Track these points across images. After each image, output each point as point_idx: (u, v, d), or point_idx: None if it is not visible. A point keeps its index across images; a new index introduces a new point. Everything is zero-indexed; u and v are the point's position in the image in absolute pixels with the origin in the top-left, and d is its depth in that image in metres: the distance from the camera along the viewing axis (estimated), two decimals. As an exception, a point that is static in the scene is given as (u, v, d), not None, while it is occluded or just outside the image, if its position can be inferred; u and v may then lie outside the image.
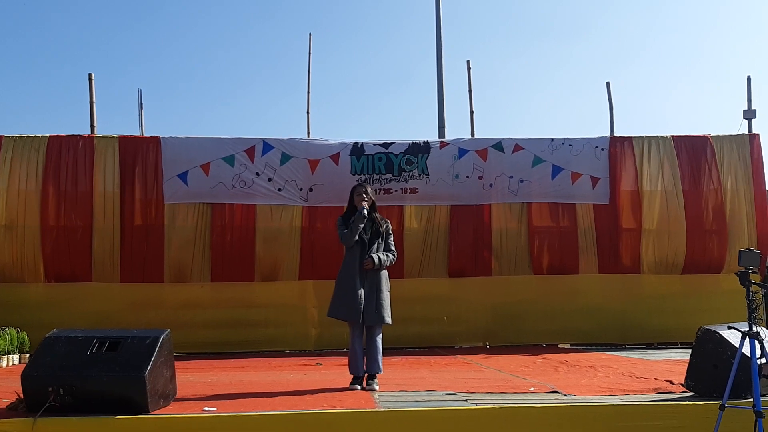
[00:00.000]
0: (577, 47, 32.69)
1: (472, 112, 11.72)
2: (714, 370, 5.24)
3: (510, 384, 6.44)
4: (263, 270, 10.55)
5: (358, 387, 6.01)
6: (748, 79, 11.96)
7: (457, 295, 10.76)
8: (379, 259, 6.14)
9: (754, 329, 4.64)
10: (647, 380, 6.56)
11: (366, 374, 6.11)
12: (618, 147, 11.09)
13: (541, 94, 32.62)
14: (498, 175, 10.85)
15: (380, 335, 6.17)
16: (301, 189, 10.57)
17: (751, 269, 4.72)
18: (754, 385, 4.49)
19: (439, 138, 12.26)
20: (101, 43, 29.63)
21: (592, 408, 5.10)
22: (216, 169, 10.43)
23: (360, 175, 10.51)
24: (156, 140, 10.49)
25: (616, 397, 5.56)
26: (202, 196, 10.44)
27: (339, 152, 10.64)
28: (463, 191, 10.80)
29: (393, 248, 6.36)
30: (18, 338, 9.17)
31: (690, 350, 5.59)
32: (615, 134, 11.38)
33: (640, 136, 11.19)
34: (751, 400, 4.50)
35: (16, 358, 9.07)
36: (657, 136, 11.22)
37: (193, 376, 7.10)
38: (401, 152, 10.71)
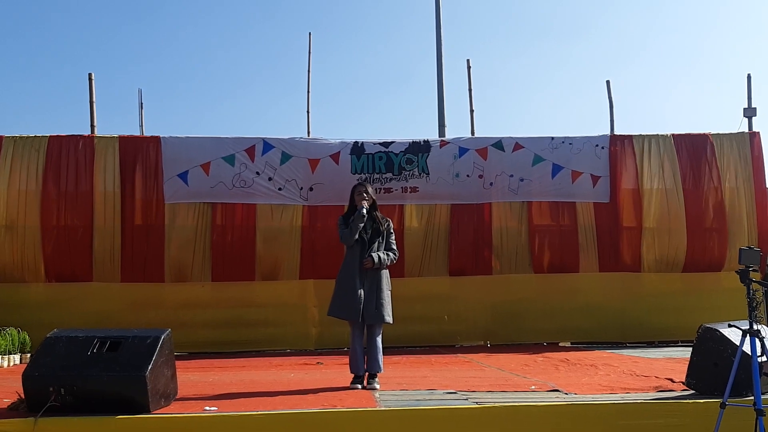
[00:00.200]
0: (577, 46, 32.70)
1: (472, 111, 11.71)
2: (715, 368, 5.24)
3: (511, 383, 6.44)
4: (264, 269, 10.56)
5: (359, 386, 6.01)
6: (748, 77, 11.97)
7: (457, 293, 10.76)
8: (379, 258, 6.14)
9: (755, 327, 4.64)
10: (648, 378, 6.56)
11: (367, 373, 6.11)
12: (618, 145, 11.09)
13: (542, 93, 32.62)
14: (498, 174, 10.85)
15: (380, 334, 6.18)
16: (302, 188, 10.58)
17: (752, 267, 4.71)
18: (755, 383, 4.49)
19: (440, 137, 12.24)
20: (101, 43, 29.65)
21: (593, 406, 5.10)
22: (216, 168, 10.43)
23: (360, 174, 10.51)
24: (156, 140, 10.49)
25: (617, 395, 5.56)
26: (203, 196, 10.44)
27: (339, 151, 10.64)
28: (463, 190, 10.80)
29: (394, 247, 6.36)
30: (19, 338, 9.17)
31: (691, 348, 5.59)
32: (615, 133, 11.38)
33: (641, 135, 11.20)
34: (752, 398, 4.50)
35: (17, 358, 9.07)
36: (657, 135, 11.23)
37: (194, 376, 7.11)
38: (401, 151, 10.71)
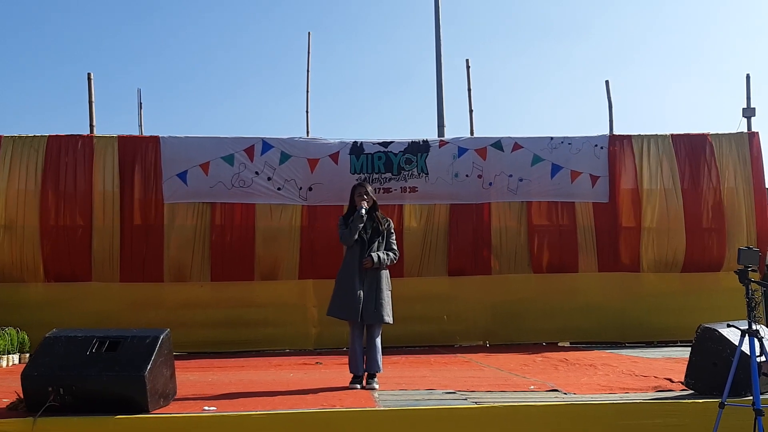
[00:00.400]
0: (577, 46, 32.72)
1: (471, 111, 11.71)
2: (714, 368, 5.24)
3: (510, 382, 6.45)
4: (263, 269, 10.56)
5: (358, 386, 6.01)
6: (747, 77, 11.98)
7: (456, 293, 10.76)
8: (379, 258, 6.14)
9: (754, 327, 4.64)
10: (647, 378, 6.56)
11: (366, 373, 6.11)
12: (617, 145, 11.10)
13: (541, 93, 32.66)
14: (497, 174, 10.85)
15: (380, 334, 6.18)
16: (301, 188, 10.57)
17: (751, 267, 4.72)
18: (754, 383, 4.50)
19: (439, 137, 12.25)
20: (100, 43, 29.66)
21: (592, 406, 5.10)
22: (215, 168, 10.43)
23: (359, 174, 10.51)
24: (155, 140, 10.49)
25: (616, 395, 5.56)
26: (202, 196, 10.44)
27: (338, 151, 10.64)
28: (462, 190, 10.80)
29: (394, 247, 6.36)
30: (18, 338, 9.17)
31: (690, 348, 5.59)
32: (614, 133, 11.38)
33: (640, 135, 11.20)
34: (751, 398, 4.50)
35: (16, 357, 9.07)
36: (656, 135, 11.23)
37: (193, 376, 7.10)
38: (400, 151, 10.71)
